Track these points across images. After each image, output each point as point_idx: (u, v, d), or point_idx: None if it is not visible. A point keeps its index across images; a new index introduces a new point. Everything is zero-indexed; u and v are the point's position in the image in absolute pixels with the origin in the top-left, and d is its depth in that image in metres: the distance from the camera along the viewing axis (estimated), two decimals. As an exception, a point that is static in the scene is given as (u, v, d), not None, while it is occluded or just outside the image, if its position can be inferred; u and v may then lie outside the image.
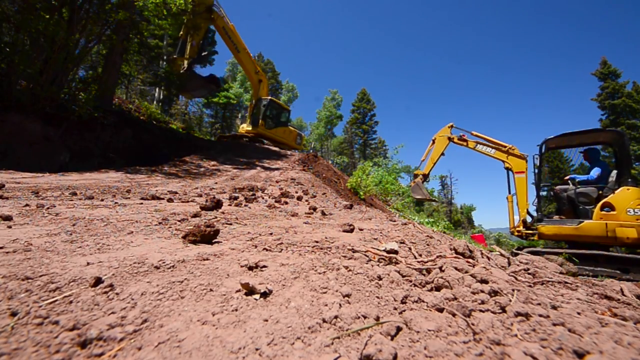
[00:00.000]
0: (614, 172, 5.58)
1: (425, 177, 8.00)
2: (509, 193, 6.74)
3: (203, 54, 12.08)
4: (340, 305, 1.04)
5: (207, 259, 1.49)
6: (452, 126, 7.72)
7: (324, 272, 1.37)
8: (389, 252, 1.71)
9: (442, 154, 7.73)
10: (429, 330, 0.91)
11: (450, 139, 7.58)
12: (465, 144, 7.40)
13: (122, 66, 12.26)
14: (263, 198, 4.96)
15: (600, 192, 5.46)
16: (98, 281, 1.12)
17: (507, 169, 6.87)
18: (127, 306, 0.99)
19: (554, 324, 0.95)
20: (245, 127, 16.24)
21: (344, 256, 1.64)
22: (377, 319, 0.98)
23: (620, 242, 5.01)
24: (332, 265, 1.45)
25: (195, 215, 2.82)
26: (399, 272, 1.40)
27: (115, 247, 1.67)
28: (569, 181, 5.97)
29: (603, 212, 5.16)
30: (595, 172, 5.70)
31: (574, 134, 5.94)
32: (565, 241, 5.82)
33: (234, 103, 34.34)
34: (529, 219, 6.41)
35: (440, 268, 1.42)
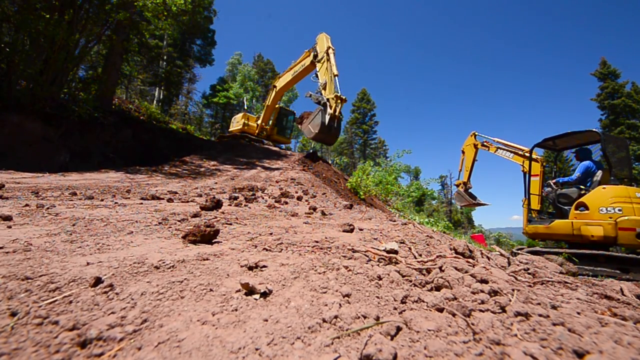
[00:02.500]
0: (599, 172, 5.57)
1: (466, 184, 8.70)
2: (525, 197, 6.78)
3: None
4: (340, 305, 1.04)
5: (207, 259, 1.49)
6: (475, 134, 8.39)
7: (324, 272, 1.37)
8: (389, 252, 1.71)
9: (475, 159, 8.47)
10: (429, 330, 0.91)
11: (476, 146, 8.29)
12: (487, 149, 8.06)
13: (122, 66, 12.23)
14: (263, 198, 4.96)
15: (583, 192, 5.48)
16: (98, 281, 1.12)
17: (524, 172, 6.97)
18: (127, 306, 0.99)
19: (554, 324, 0.95)
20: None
21: (344, 256, 1.64)
22: (377, 318, 0.98)
23: (586, 240, 5.08)
24: (332, 265, 1.45)
25: (195, 215, 2.82)
26: (399, 272, 1.40)
27: (115, 247, 1.67)
28: (552, 183, 6.12)
29: (577, 212, 5.25)
30: (576, 172, 5.76)
31: (556, 137, 6.13)
32: (564, 241, 5.85)
33: (234, 103, 34.34)
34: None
35: (440, 268, 1.42)
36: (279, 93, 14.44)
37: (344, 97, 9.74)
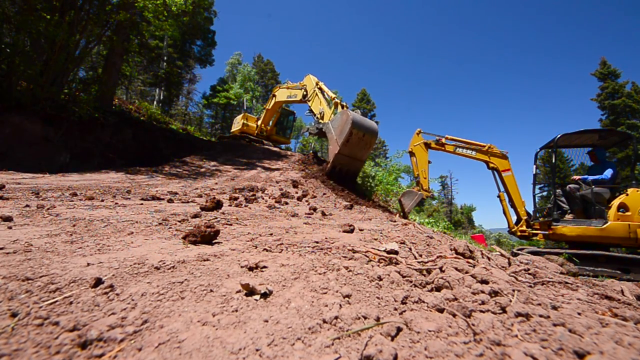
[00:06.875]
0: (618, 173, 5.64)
1: (427, 191, 7.60)
2: (499, 191, 6.80)
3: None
4: (340, 305, 1.04)
5: (207, 260, 1.49)
6: (420, 132, 7.35)
7: (324, 272, 1.37)
8: (389, 252, 1.71)
9: (429, 161, 7.35)
10: (430, 331, 0.91)
11: (427, 145, 7.20)
12: (443, 148, 7.14)
13: (123, 67, 12.22)
14: (263, 198, 4.96)
15: (617, 193, 5.47)
16: (98, 282, 1.12)
17: (493, 169, 6.88)
18: (128, 307, 0.99)
19: (555, 325, 0.95)
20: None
21: (344, 257, 1.64)
22: (378, 319, 0.98)
23: (639, 244, 5.01)
24: (333, 266, 1.45)
25: (195, 216, 2.82)
26: (399, 272, 1.40)
27: (116, 247, 1.67)
28: (580, 181, 5.85)
29: (620, 213, 5.15)
30: (609, 172, 5.69)
31: (589, 131, 5.88)
32: (569, 242, 5.76)
33: (234, 103, 34.35)
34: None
35: (440, 268, 1.42)
36: (278, 104, 14.49)
37: (344, 103, 8.92)
